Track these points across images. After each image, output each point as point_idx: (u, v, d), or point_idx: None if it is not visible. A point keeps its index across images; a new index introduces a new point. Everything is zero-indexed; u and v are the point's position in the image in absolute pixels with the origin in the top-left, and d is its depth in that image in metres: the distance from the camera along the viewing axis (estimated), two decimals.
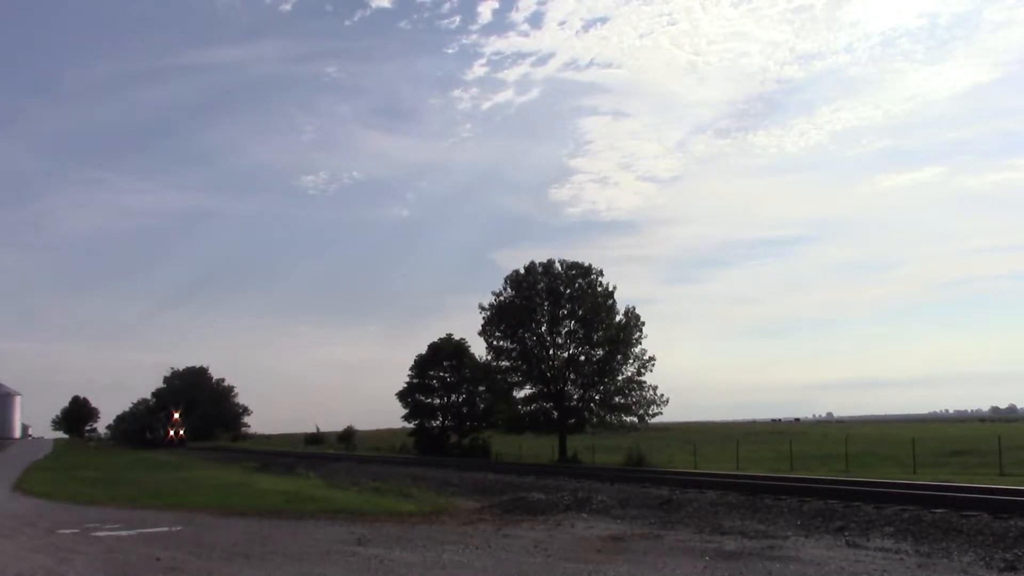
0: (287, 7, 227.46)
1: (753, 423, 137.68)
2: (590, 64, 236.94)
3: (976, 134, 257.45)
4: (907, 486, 19.67)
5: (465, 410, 58.38)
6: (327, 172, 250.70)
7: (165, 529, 16.57)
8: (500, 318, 46.60)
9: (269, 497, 23.73)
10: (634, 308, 44.77)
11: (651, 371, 44.24)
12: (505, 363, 47.44)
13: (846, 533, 13.80)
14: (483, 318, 47.59)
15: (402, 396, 59.92)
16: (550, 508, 18.40)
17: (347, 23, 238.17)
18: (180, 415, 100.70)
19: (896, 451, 41.14)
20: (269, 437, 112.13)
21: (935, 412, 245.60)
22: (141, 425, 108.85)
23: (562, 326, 45.29)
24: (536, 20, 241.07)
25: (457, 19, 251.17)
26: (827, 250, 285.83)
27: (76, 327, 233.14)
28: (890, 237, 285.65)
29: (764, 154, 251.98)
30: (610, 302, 44.99)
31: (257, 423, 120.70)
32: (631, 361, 44.16)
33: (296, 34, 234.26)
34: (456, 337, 59.35)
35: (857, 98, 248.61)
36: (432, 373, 58.98)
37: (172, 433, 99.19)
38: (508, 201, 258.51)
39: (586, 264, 46.10)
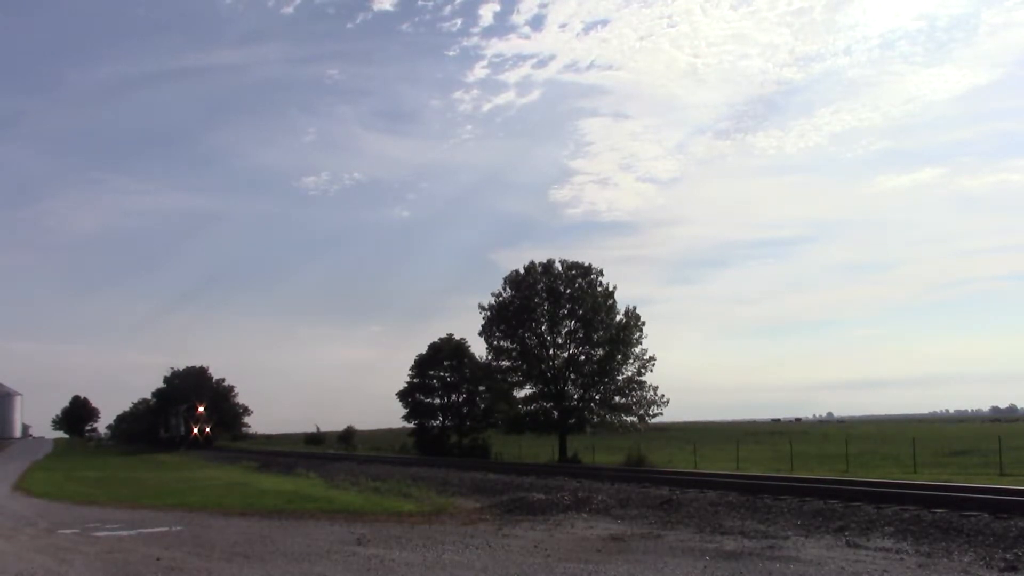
0: (289, 10, 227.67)
1: (753, 423, 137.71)
2: (591, 66, 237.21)
3: (975, 135, 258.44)
4: (907, 486, 19.67)
5: (465, 410, 58.41)
6: (329, 173, 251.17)
7: (165, 529, 16.57)
8: (500, 318, 46.55)
9: (269, 497, 23.73)
10: (634, 308, 44.76)
11: (651, 371, 44.28)
12: (505, 363, 47.43)
13: (846, 533, 13.79)
14: (483, 318, 47.62)
15: (402, 396, 59.99)
16: (550, 508, 18.37)
17: (349, 26, 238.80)
18: (205, 409, 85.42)
19: (896, 451, 41.20)
20: (269, 437, 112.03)
21: (935, 412, 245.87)
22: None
23: (562, 326, 45.25)
24: (537, 23, 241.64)
25: (458, 22, 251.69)
26: (827, 250, 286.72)
27: (77, 327, 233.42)
28: (890, 238, 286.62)
29: (763, 155, 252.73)
30: (610, 302, 44.93)
31: (257, 423, 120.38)
32: (631, 361, 44.13)
33: (298, 37, 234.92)
34: (456, 337, 59.52)
35: (856, 100, 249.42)
36: (432, 373, 59.04)
37: (196, 431, 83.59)
38: (509, 202, 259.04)
39: (586, 264, 46.11)
